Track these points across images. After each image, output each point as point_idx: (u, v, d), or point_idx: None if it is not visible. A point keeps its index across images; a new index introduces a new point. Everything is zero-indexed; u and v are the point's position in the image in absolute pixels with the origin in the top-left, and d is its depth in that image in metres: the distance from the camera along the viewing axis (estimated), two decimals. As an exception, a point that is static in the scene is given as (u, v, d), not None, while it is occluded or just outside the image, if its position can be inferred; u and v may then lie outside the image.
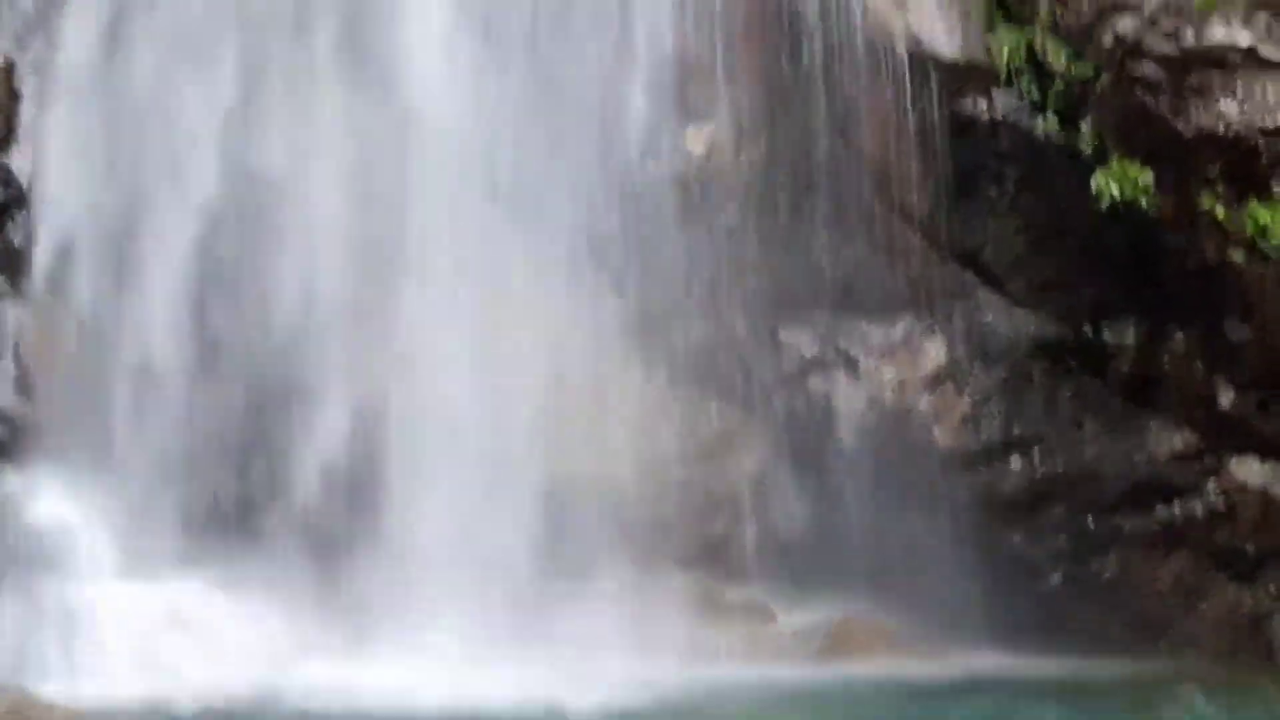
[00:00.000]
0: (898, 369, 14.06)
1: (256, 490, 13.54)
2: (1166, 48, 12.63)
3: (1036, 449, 13.95)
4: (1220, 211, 12.72)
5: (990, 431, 13.98)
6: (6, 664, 12.00)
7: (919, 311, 14.03)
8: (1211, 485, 13.77)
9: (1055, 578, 13.97)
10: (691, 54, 13.77)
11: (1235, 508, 13.72)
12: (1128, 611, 13.83)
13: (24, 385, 13.69)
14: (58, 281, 13.65)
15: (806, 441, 14.04)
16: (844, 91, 13.76)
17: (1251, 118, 12.47)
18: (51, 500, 13.06)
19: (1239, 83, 12.48)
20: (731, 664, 13.09)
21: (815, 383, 14.09)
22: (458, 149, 13.46)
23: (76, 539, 12.92)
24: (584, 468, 13.55)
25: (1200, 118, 12.60)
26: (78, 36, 13.86)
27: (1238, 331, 13.26)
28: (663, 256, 13.75)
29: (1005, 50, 13.55)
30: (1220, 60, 12.50)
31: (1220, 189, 12.70)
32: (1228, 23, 12.47)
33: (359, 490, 13.22)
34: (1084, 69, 13.24)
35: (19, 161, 13.84)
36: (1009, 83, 13.60)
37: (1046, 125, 13.54)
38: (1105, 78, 13.04)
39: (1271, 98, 12.46)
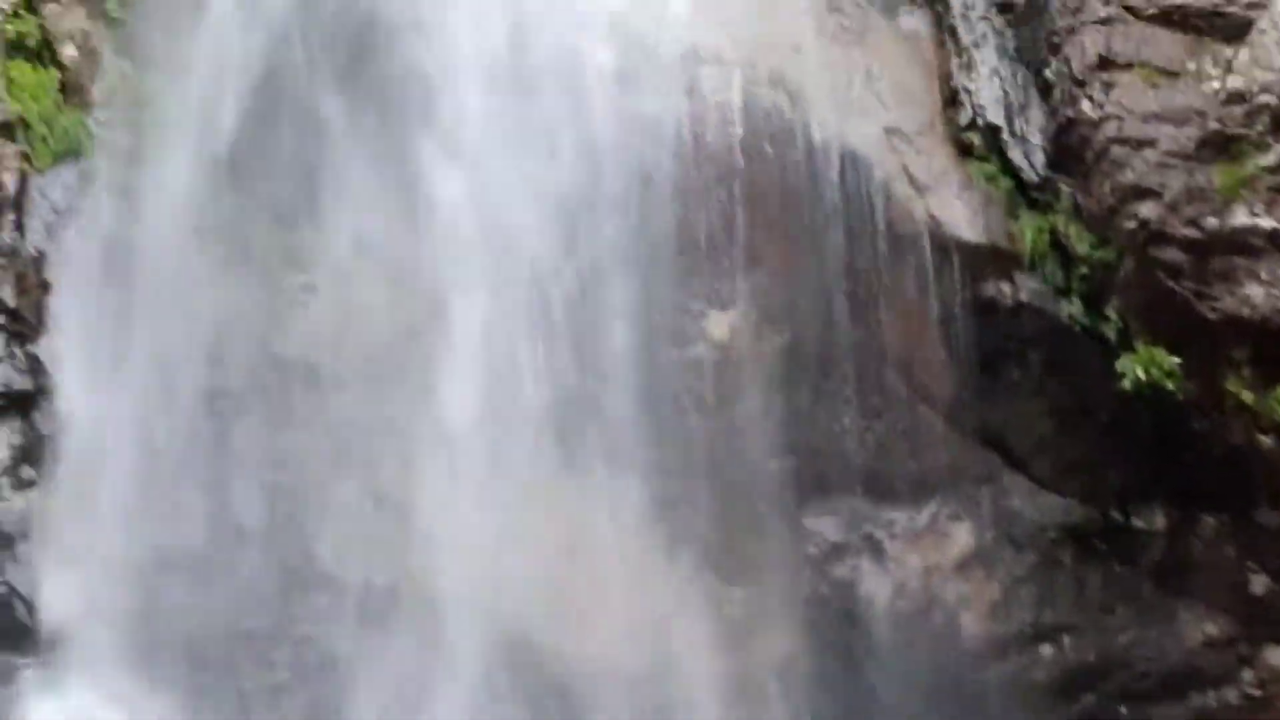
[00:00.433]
0: (924, 555, 13.88)
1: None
2: (1189, 232, 12.59)
3: (1067, 637, 13.74)
4: (1248, 396, 12.63)
5: (1021, 618, 13.77)
6: None
7: (945, 495, 13.89)
8: (1247, 674, 13.58)
9: (1090, 766, 13.77)
10: (712, 240, 13.78)
11: (1271, 697, 13.51)
12: (1165, 800, 13.62)
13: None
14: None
15: (831, 630, 13.84)
16: (865, 276, 13.75)
17: (1277, 302, 12.41)
18: None
19: (1263, 267, 12.43)
20: None
21: (841, 570, 13.92)
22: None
23: None
24: (603, 652, 13.38)
25: (1225, 302, 12.54)
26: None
27: (1269, 517, 13.14)
28: (685, 441, 13.67)
29: (1029, 235, 13.55)
30: (1244, 245, 12.45)
31: (1246, 373, 12.61)
32: (1250, 208, 12.43)
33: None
34: (1107, 254, 13.19)
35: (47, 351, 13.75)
36: (1032, 267, 13.58)
37: (1071, 309, 13.49)
38: (1129, 262, 12.99)
39: (1295, 282, 12.43)
